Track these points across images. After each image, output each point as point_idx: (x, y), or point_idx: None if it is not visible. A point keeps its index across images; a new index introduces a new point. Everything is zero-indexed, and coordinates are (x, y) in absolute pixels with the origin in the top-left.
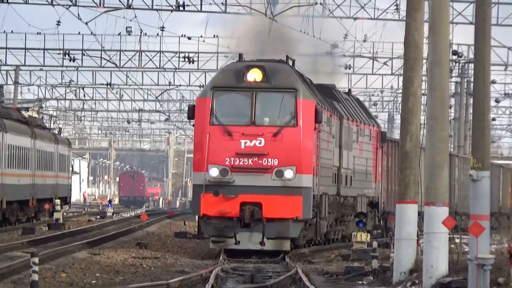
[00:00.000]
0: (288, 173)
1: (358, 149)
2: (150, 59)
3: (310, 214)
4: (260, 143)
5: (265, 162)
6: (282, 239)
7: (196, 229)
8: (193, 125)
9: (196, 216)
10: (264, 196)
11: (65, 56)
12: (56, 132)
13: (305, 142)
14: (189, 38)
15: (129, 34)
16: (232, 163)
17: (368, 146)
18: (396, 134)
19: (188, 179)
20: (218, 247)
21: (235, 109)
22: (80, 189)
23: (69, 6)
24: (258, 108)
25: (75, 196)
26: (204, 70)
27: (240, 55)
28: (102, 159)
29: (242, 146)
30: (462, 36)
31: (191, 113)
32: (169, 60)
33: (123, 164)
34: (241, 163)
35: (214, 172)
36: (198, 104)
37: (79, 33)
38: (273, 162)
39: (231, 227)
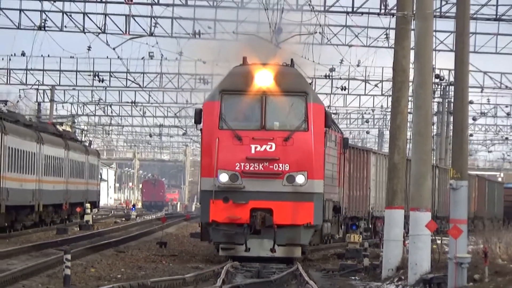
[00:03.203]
0: (300, 179)
1: (326, 153)
2: (170, 81)
3: (321, 220)
4: (270, 148)
5: (276, 167)
6: (293, 245)
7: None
8: (200, 130)
9: (200, 222)
10: (275, 202)
11: (95, 77)
12: (87, 144)
13: (316, 147)
14: (204, 62)
15: (151, 58)
16: (242, 168)
17: (334, 152)
18: (385, 148)
19: None
20: (228, 254)
21: (245, 113)
22: (108, 194)
23: (99, 33)
24: (269, 112)
25: (103, 201)
26: None
27: (244, 59)
28: (127, 168)
29: (253, 151)
30: (443, 62)
31: (198, 117)
32: (187, 81)
33: (145, 172)
34: (251, 168)
35: (223, 177)
36: (206, 108)
37: (107, 57)
38: (284, 167)
39: (241, 234)
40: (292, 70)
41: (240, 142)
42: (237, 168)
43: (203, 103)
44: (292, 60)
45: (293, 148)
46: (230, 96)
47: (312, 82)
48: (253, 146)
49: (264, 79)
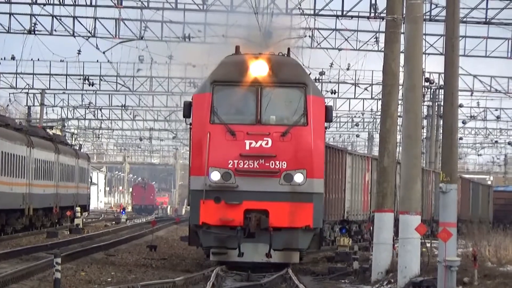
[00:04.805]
0: (298, 177)
1: None
2: (160, 84)
3: (321, 223)
4: (266, 143)
5: (272, 165)
6: (291, 250)
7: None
8: (190, 124)
9: (188, 224)
10: (271, 203)
11: (85, 81)
12: (77, 148)
13: (316, 143)
14: (194, 66)
15: (141, 62)
16: (236, 166)
17: None
18: (375, 151)
19: None
20: (220, 259)
21: (239, 106)
22: (98, 198)
23: (89, 37)
24: (264, 105)
25: (93, 204)
26: None
27: (237, 48)
28: (117, 172)
29: (247, 147)
30: (433, 65)
31: (187, 110)
32: (177, 85)
33: (135, 176)
34: (245, 166)
35: (215, 176)
36: (196, 101)
37: (97, 61)
38: (281, 165)
39: (234, 238)
40: (290, 60)
41: (234, 138)
42: (230, 165)
43: (192, 95)
44: (288, 49)
45: (291, 144)
46: (223, 88)
47: None
48: (247, 142)
49: (259, 69)
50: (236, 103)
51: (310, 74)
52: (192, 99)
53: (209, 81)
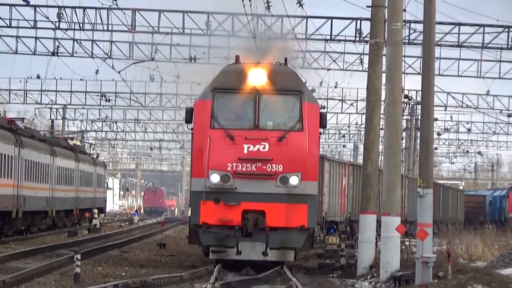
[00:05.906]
0: (293, 180)
1: None
2: (169, 100)
3: (315, 223)
4: (264, 148)
5: (269, 168)
6: (286, 249)
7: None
8: (191, 129)
9: (188, 224)
10: (268, 204)
11: (102, 97)
12: (95, 157)
13: (310, 148)
14: (199, 84)
15: (152, 81)
16: (235, 168)
17: None
18: (360, 160)
19: None
20: (219, 257)
21: (238, 112)
22: (113, 201)
23: (106, 58)
24: (262, 111)
25: (109, 207)
26: None
27: (237, 57)
28: (130, 178)
29: (245, 151)
30: (411, 83)
31: (189, 116)
32: (184, 101)
33: (147, 181)
34: (243, 169)
35: (215, 178)
36: (197, 107)
37: (113, 79)
38: (278, 168)
39: (232, 237)
40: (287, 69)
41: (233, 142)
42: (229, 168)
43: (194, 101)
44: (286, 59)
45: (287, 148)
46: (223, 95)
47: None
48: (245, 146)
49: (257, 77)
50: (235, 109)
51: (306, 82)
52: (193, 105)
53: (210, 88)
